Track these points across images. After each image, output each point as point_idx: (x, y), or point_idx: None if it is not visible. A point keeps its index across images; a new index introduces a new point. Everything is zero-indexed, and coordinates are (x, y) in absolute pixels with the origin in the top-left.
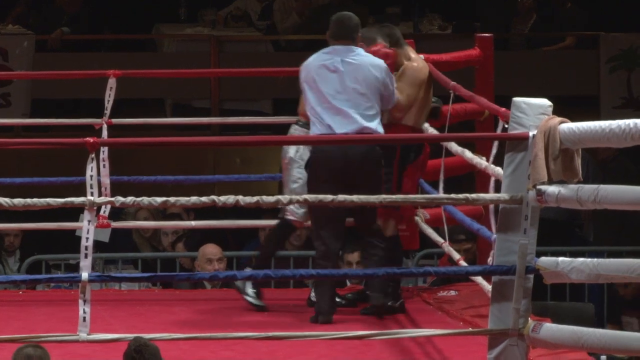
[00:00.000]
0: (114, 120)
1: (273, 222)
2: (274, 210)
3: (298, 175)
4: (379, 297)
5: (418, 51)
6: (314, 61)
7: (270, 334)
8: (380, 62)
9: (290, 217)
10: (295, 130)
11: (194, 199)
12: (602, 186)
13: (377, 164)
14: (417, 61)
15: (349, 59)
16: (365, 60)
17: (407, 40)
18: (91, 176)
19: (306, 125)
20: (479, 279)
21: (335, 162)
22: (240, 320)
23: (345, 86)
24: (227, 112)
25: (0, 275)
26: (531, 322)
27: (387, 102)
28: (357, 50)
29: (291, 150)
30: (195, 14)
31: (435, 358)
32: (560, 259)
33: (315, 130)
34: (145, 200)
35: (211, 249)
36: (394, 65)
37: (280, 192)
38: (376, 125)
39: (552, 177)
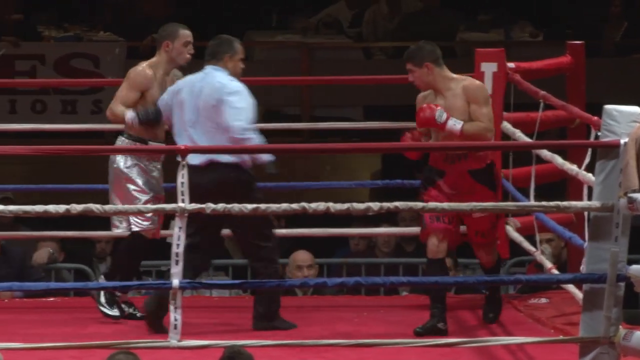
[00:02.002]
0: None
1: (363, 230)
2: (364, 218)
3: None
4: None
5: (509, 59)
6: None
7: (361, 341)
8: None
9: (137, 229)
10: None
11: (284, 205)
12: None
13: (231, 192)
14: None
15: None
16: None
17: (498, 48)
18: (182, 183)
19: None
20: (570, 287)
21: (193, 190)
22: (330, 327)
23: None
24: (318, 118)
25: (91, 281)
26: (622, 330)
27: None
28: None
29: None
30: (287, 21)
31: None
32: None
33: None
34: (235, 207)
35: (302, 256)
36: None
37: (371, 200)
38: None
39: None
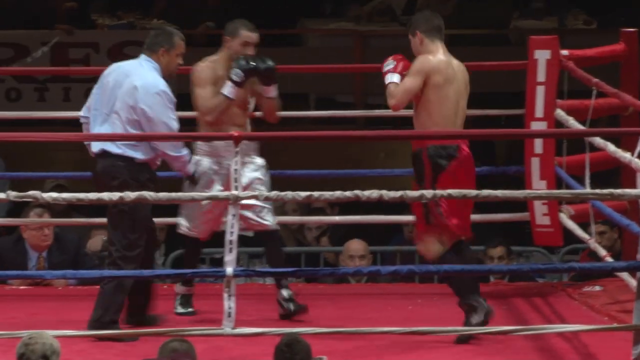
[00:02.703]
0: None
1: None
2: None
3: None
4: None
5: (562, 46)
6: None
7: (414, 328)
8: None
9: (183, 231)
10: None
11: (337, 193)
12: None
13: (112, 178)
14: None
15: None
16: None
17: (552, 35)
18: (235, 170)
19: None
20: (624, 275)
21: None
22: (383, 315)
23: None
24: (371, 106)
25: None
26: None
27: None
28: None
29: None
30: (340, 9)
31: (581, 353)
32: None
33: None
34: (289, 194)
35: (355, 245)
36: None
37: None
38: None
39: None
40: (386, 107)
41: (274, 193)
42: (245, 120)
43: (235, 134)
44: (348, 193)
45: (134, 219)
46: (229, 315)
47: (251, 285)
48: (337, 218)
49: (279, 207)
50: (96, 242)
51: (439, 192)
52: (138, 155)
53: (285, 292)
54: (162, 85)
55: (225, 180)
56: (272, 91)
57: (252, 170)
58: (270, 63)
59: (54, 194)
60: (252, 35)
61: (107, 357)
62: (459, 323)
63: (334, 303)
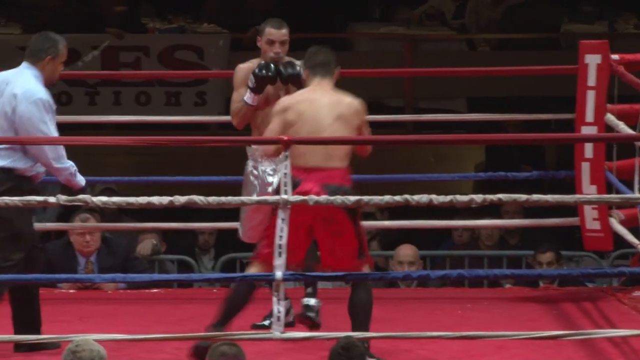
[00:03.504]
0: None
1: (466, 222)
2: (467, 210)
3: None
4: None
5: (613, 51)
6: None
7: (464, 333)
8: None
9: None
10: None
11: (387, 197)
12: None
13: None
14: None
15: None
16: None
17: (602, 39)
18: (285, 174)
19: None
20: None
21: None
22: (433, 319)
23: None
24: (421, 110)
25: (195, 273)
26: None
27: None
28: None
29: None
30: (389, 13)
31: (630, 358)
32: None
33: None
34: (338, 199)
35: (405, 251)
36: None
37: (475, 192)
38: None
39: None
40: (436, 111)
41: (324, 197)
42: None
43: (285, 137)
44: (397, 197)
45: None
46: (278, 319)
47: (300, 290)
48: (386, 223)
49: None
50: (146, 246)
51: (489, 196)
52: (19, 165)
53: (313, 302)
54: (42, 93)
55: (262, 186)
56: (256, 100)
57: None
58: (290, 70)
59: (104, 198)
60: (274, 32)
61: None
62: (508, 328)
63: (384, 307)
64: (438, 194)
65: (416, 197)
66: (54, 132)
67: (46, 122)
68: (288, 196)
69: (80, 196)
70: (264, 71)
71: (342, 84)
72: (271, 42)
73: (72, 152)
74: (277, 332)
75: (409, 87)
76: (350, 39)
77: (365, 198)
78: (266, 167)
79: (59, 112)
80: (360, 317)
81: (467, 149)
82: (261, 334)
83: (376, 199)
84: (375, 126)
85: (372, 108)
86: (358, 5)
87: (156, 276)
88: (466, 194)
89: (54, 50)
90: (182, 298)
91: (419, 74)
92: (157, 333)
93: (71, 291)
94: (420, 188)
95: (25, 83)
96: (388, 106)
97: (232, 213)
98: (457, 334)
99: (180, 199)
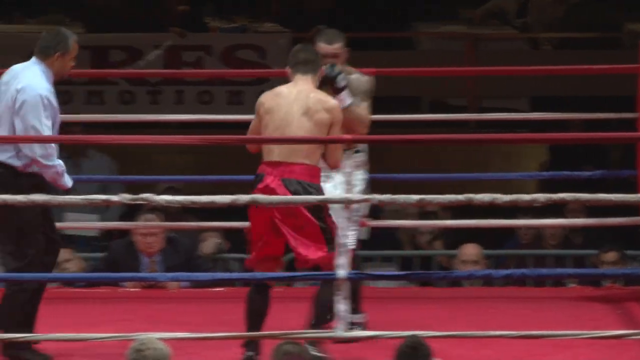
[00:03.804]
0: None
1: (529, 221)
2: (531, 209)
3: None
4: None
5: None
6: None
7: (527, 332)
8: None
9: None
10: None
11: (450, 197)
12: None
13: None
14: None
15: None
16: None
17: None
18: (348, 173)
19: None
20: None
21: None
22: (496, 318)
23: None
24: (484, 109)
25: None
26: None
27: None
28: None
29: None
30: (452, 12)
31: None
32: None
33: None
34: (401, 198)
35: (469, 250)
36: None
37: (538, 191)
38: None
39: None
40: (498, 110)
41: (387, 196)
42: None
43: (348, 137)
44: (461, 197)
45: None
46: (342, 318)
47: (364, 289)
48: (450, 222)
49: (396, 212)
50: (209, 245)
51: (552, 195)
52: (17, 163)
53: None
54: (42, 89)
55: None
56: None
57: (332, 187)
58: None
59: (167, 197)
60: (324, 47)
61: None
62: (572, 327)
63: (448, 306)
64: (501, 193)
65: (479, 197)
66: (45, 130)
67: (40, 118)
68: (352, 195)
69: (144, 195)
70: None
71: (404, 83)
72: (323, 56)
73: (135, 151)
74: (340, 331)
75: (471, 86)
76: (413, 38)
77: (428, 197)
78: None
79: (120, 110)
80: (317, 312)
81: (530, 148)
82: (324, 333)
83: (439, 197)
84: (437, 125)
85: (434, 107)
86: (421, 5)
87: (219, 275)
88: (530, 193)
89: (64, 46)
90: (245, 297)
91: (481, 73)
92: (221, 332)
93: (135, 290)
94: (484, 187)
95: (29, 78)
96: (450, 105)
97: None
98: (520, 333)
99: (243, 198)
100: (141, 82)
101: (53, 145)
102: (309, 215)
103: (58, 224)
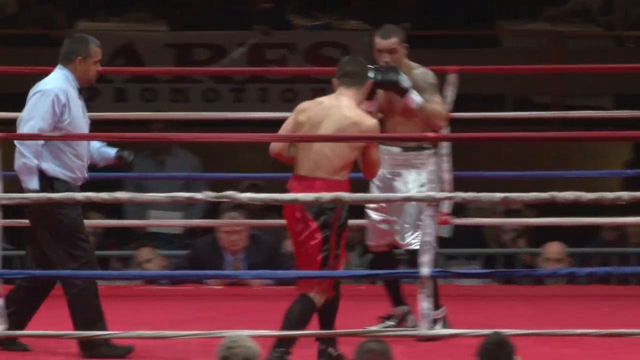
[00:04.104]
0: (455, 115)
1: (613, 219)
2: (615, 207)
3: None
4: None
5: None
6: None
7: (610, 331)
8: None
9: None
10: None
11: (533, 195)
12: None
13: None
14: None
15: None
16: None
17: None
18: (432, 171)
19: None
20: None
21: None
22: (579, 316)
23: None
24: (568, 107)
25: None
26: None
27: None
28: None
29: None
30: (536, 10)
31: None
32: None
33: None
34: (485, 196)
35: (553, 248)
36: None
37: (622, 189)
38: None
39: None
40: (583, 108)
41: (471, 194)
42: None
43: (432, 135)
44: (544, 195)
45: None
46: (426, 316)
47: (447, 287)
48: (533, 220)
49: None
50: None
51: (637, 193)
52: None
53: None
54: (53, 86)
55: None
56: (371, 106)
57: (403, 184)
58: (385, 76)
59: (250, 195)
60: (380, 42)
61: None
62: None
63: (531, 304)
64: (585, 191)
65: (562, 194)
66: (42, 125)
67: (41, 114)
68: (435, 193)
69: (227, 192)
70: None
71: (490, 81)
72: (379, 52)
73: (219, 149)
74: (423, 329)
75: (555, 84)
76: (497, 36)
77: (512, 195)
78: (386, 170)
79: (204, 108)
80: (285, 324)
81: (614, 146)
82: (408, 331)
83: (523, 195)
84: (521, 123)
85: (518, 105)
86: (505, 3)
87: (302, 273)
88: (614, 191)
89: (85, 50)
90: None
91: (565, 71)
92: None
93: (218, 287)
94: (568, 185)
95: (46, 80)
96: (535, 103)
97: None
98: (604, 331)
99: (326, 196)
100: (225, 80)
101: (38, 144)
102: (317, 231)
103: (142, 222)
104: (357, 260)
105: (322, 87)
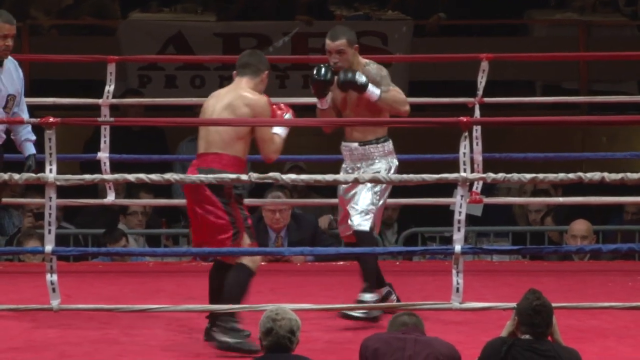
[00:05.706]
0: (486, 100)
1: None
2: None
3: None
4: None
5: None
6: None
7: (634, 304)
8: None
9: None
10: None
11: (561, 175)
12: None
13: None
14: None
15: None
16: None
17: None
18: (464, 153)
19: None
20: None
21: None
22: (605, 290)
23: None
24: (595, 93)
25: (379, 246)
26: None
27: None
28: None
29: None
30: (565, 1)
31: None
32: None
33: None
34: (515, 176)
35: (578, 226)
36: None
37: None
38: None
39: None
40: (609, 93)
41: (501, 175)
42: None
43: (464, 119)
44: (571, 175)
45: None
46: (457, 290)
47: (478, 263)
48: (561, 199)
49: (509, 189)
50: (324, 220)
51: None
52: None
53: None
54: None
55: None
56: (324, 104)
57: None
58: (342, 76)
59: (293, 176)
60: (328, 43)
61: (341, 332)
62: None
63: (558, 279)
64: (610, 172)
65: (589, 175)
66: None
67: None
68: (467, 174)
69: (271, 174)
70: (315, 75)
71: (518, 68)
72: (329, 52)
73: None
74: (455, 303)
75: (583, 70)
76: (527, 25)
77: (541, 175)
78: (347, 165)
79: None
80: (225, 296)
81: (638, 129)
82: (440, 304)
83: (551, 176)
84: (551, 107)
85: (548, 90)
86: None
87: (342, 249)
88: (638, 172)
89: None
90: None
91: (593, 58)
92: (345, 303)
93: (262, 263)
94: (594, 166)
95: None
96: (564, 88)
97: (416, 190)
98: (628, 304)
99: (364, 177)
100: (270, 67)
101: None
102: (216, 201)
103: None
104: (393, 238)
105: None
